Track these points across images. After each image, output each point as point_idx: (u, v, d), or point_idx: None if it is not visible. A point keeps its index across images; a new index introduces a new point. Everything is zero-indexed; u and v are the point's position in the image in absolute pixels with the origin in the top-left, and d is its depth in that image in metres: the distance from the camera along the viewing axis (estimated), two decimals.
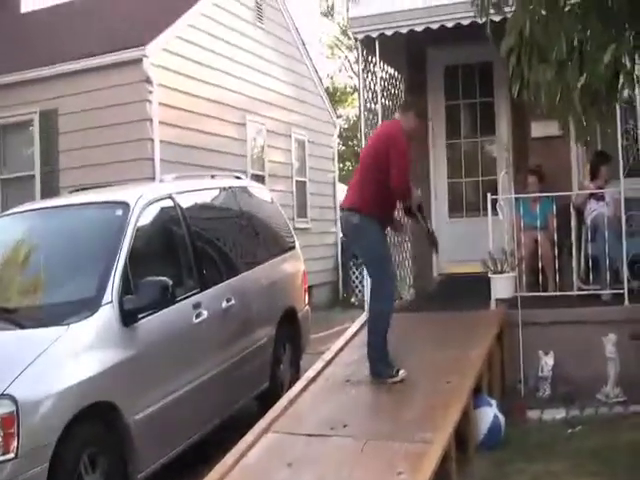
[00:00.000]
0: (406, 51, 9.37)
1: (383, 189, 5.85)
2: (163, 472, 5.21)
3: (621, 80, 4.36)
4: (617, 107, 6.25)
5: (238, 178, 7.99)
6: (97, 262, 5.19)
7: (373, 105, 8.30)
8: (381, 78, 8.43)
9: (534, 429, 6.18)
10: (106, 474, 4.58)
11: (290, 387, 6.26)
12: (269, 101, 14.27)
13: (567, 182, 8.33)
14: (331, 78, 29.36)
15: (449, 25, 7.54)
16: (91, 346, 4.70)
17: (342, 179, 18.74)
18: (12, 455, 4.00)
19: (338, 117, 20.53)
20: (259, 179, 12.85)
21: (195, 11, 12.21)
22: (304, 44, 16.41)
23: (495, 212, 7.61)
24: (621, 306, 7.06)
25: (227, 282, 6.35)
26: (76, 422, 4.31)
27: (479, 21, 4.88)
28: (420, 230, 6.76)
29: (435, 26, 7.64)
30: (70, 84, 11.12)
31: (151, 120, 10.86)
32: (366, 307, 6.99)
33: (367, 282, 6.90)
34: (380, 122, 7.89)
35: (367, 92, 8.29)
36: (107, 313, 4.85)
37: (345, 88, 29.74)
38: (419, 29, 7.73)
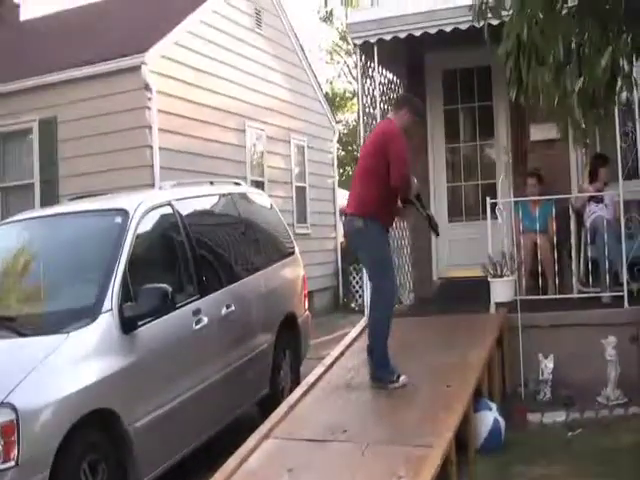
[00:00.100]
0: (405, 56, 9.38)
1: (384, 188, 5.83)
2: (165, 477, 5.21)
3: (619, 83, 4.37)
4: (615, 110, 6.25)
5: (237, 184, 8.00)
6: (97, 270, 5.19)
7: (372, 110, 8.30)
8: (380, 83, 8.44)
9: (534, 432, 6.19)
10: None
11: (290, 392, 6.25)
12: (268, 107, 14.27)
13: (566, 185, 8.35)
14: (330, 83, 29.45)
15: (447, 30, 7.55)
16: (91, 354, 4.70)
17: (342, 184, 18.74)
18: (13, 463, 4.00)
19: (337, 122, 20.54)
20: (259, 185, 12.87)
21: (194, 18, 12.21)
22: (303, 50, 16.39)
23: (495, 216, 7.61)
24: (621, 308, 7.06)
25: (227, 288, 6.35)
26: (76, 429, 4.31)
27: (477, 25, 4.88)
28: (421, 222, 6.67)
29: (433, 31, 7.65)
30: (69, 92, 11.12)
31: (150, 127, 10.85)
32: (366, 312, 6.99)
33: (367, 287, 6.89)
34: None
35: (366, 97, 8.29)
36: (107, 321, 4.85)
37: (344, 93, 29.79)
38: (417, 34, 7.74)
